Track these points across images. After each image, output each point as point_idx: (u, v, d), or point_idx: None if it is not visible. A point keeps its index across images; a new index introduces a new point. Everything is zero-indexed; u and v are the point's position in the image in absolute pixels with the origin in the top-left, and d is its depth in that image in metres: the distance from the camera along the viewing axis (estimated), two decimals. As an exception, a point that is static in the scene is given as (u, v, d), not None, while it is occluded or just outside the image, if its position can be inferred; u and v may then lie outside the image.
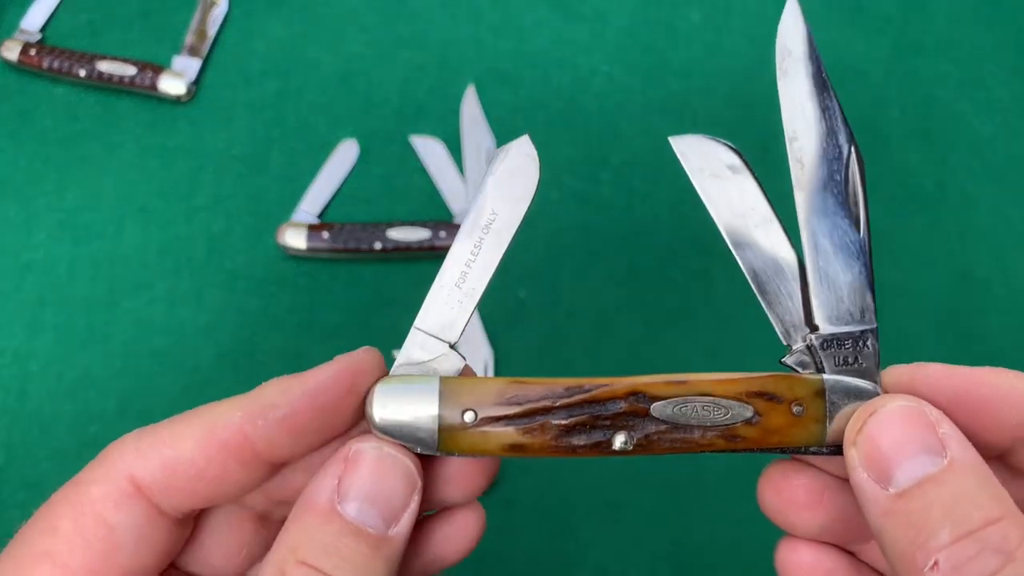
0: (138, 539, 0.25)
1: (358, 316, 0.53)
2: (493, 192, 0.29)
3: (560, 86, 0.57)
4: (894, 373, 0.27)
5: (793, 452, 0.27)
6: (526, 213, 0.28)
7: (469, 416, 0.26)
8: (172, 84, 0.56)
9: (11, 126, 0.56)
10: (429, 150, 0.55)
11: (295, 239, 0.52)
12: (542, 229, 0.54)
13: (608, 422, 0.26)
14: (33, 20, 0.58)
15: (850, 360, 0.28)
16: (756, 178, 0.28)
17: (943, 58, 0.58)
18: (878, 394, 0.27)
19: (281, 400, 0.26)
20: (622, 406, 0.26)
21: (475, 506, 0.29)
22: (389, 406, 0.26)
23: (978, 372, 0.27)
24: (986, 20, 0.59)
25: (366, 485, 0.25)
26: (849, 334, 0.28)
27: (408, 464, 0.26)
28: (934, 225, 0.55)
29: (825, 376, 0.27)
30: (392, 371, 0.28)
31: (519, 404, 0.26)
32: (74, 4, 0.59)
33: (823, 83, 0.28)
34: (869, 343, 0.28)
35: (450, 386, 0.26)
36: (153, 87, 0.56)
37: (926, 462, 0.24)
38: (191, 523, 0.27)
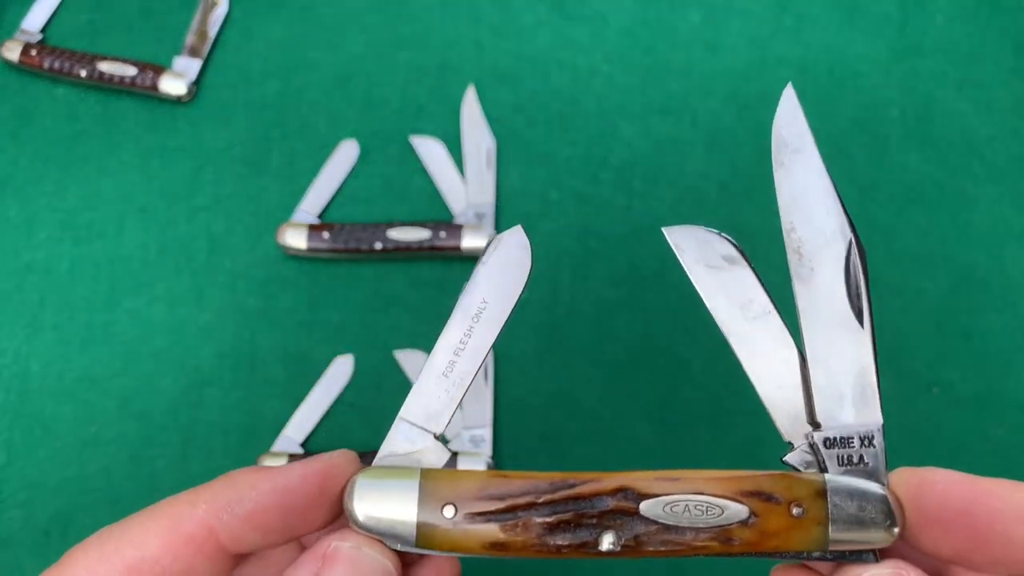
0: None
1: (358, 316, 0.53)
2: (484, 281, 0.28)
3: (560, 86, 0.57)
4: (901, 477, 0.26)
5: (795, 558, 0.26)
6: (517, 302, 0.28)
7: (449, 511, 0.25)
8: (173, 84, 0.56)
9: (12, 126, 0.56)
10: (429, 150, 0.55)
11: (295, 239, 0.52)
12: (542, 229, 0.54)
13: (594, 520, 0.25)
14: (34, 20, 0.58)
15: (855, 459, 0.26)
16: (754, 269, 0.27)
17: (942, 58, 0.58)
18: (884, 496, 0.25)
19: (248, 495, 0.25)
20: (609, 504, 0.25)
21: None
22: (367, 499, 0.25)
23: (989, 484, 0.25)
24: (985, 20, 0.59)
25: None
26: (853, 432, 0.26)
27: (386, 564, 0.25)
28: (933, 225, 0.55)
29: (827, 476, 0.26)
30: (375, 461, 0.27)
31: (500, 499, 0.25)
32: (75, 4, 0.59)
33: (821, 172, 0.27)
34: (875, 441, 0.26)
35: (430, 479, 0.26)
36: (154, 87, 0.56)
37: None
38: None
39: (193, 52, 0.57)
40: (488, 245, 0.28)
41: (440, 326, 0.52)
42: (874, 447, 0.26)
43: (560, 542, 0.25)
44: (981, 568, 0.25)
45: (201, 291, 0.53)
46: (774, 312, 0.27)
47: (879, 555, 0.25)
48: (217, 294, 0.53)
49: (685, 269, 0.28)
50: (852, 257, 0.27)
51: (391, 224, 0.53)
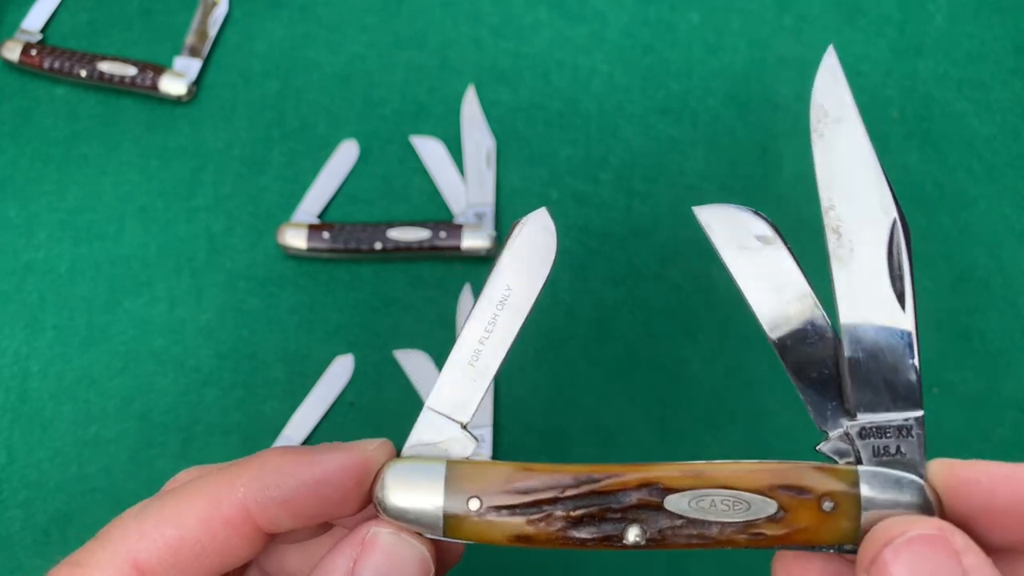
0: None
1: (358, 316, 0.53)
2: (508, 266, 0.27)
3: (560, 86, 0.57)
4: (939, 468, 0.25)
5: (823, 550, 0.25)
6: (543, 287, 0.27)
7: (474, 504, 0.25)
8: (173, 84, 0.56)
9: (11, 126, 0.56)
10: (429, 150, 0.55)
11: (295, 239, 0.52)
12: (542, 229, 0.54)
13: (619, 515, 0.25)
14: (34, 20, 0.58)
15: (891, 450, 0.25)
16: (790, 249, 0.26)
17: (942, 58, 0.58)
18: (921, 488, 0.24)
19: (286, 482, 0.25)
20: (634, 498, 0.25)
21: None
22: (396, 489, 0.26)
23: None
24: (985, 20, 0.59)
25: (381, 569, 0.25)
26: (890, 422, 0.25)
27: (423, 551, 0.25)
28: (933, 225, 0.55)
29: (861, 468, 0.24)
30: (403, 451, 0.27)
31: (525, 493, 0.25)
32: (75, 4, 0.59)
33: (864, 144, 0.25)
34: (914, 432, 0.25)
35: (456, 471, 0.26)
36: (154, 87, 0.56)
37: None
38: None
39: (193, 52, 0.57)
40: (513, 229, 0.27)
41: (440, 326, 0.52)
42: (912, 438, 0.25)
43: (584, 535, 0.25)
44: None
45: (201, 291, 0.53)
46: (811, 295, 0.26)
47: None
48: (217, 294, 0.53)
49: (716, 250, 0.26)
50: (896, 236, 0.25)
51: (391, 224, 0.53)
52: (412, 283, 0.53)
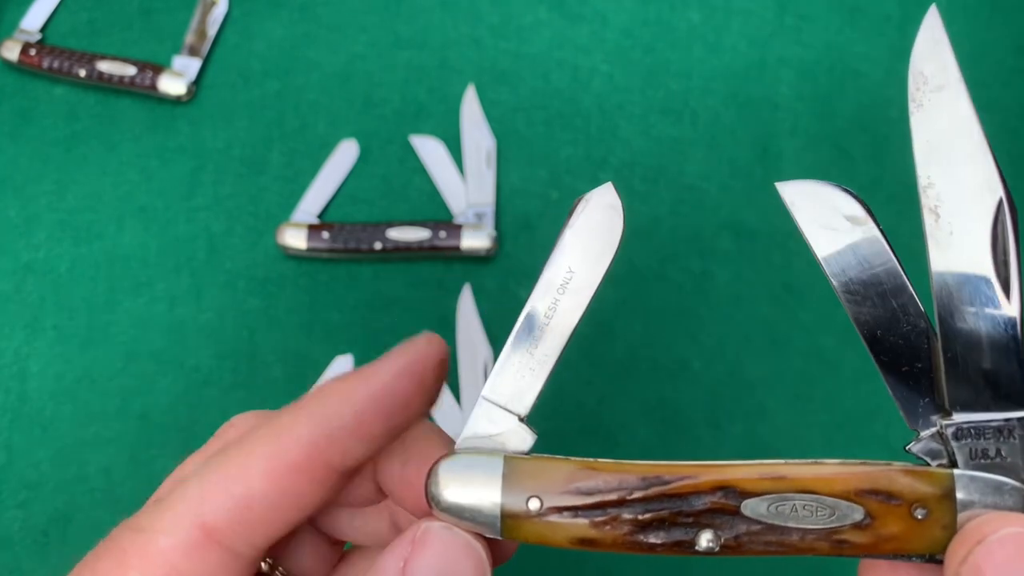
0: None
1: (358, 316, 0.53)
2: (571, 247, 0.25)
3: (560, 86, 0.57)
4: None
5: (912, 559, 0.23)
6: (608, 270, 0.25)
7: (534, 504, 0.24)
8: (172, 84, 0.56)
9: (11, 126, 0.56)
10: (429, 150, 0.55)
11: (295, 239, 0.52)
12: (542, 229, 0.54)
13: (691, 519, 0.23)
14: (33, 20, 0.58)
15: (991, 453, 0.23)
16: (883, 231, 0.24)
17: (943, 58, 0.58)
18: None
19: (347, 409, 0.24)
20: (707, 502, 0.23)
21: None
22: (451, 486, 0.24)
23: None
24: (986, 20, 0.59)
25: (436, 565, 0.23)
26: (990, 423, 0.23)
27: (479, 549, 0.24)
28: (934, 225, 0.55)
29: (956, 472, 0.22)
30: (459, 443, 0.25)
31: (588, 494, 0.23)
32: (74, 4, 0.59)
33: (968, 115, 0.23)
34: (1016, 434, 0.23)
35: (514, 467, 0.24)
36: (153, 87, 0.56)
37: None
38: (265, 552, 0.26)
39: (192, 51, 0.57)
40: (575, 207, 0.25)
41: (440, 326, 0.52)
42: (1014, 440, 0.23)
43: (654, 540, 0.23)
44: None
45: (201, 291, 0.53)
46: (904, 280, 0.23)
47: None
48: (217, 294, 0.53)
49: (801, 230, 0.24)
50: (1001, 218, 0.23)
51: (391, 224, 0.53)
52: (412, 283, 0.53)
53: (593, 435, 0.51)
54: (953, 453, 0.23)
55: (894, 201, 0.55)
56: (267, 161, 0.55)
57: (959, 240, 0.23)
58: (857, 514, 0.22)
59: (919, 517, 0.22)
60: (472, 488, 0.24)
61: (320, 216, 0.54)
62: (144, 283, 0.53)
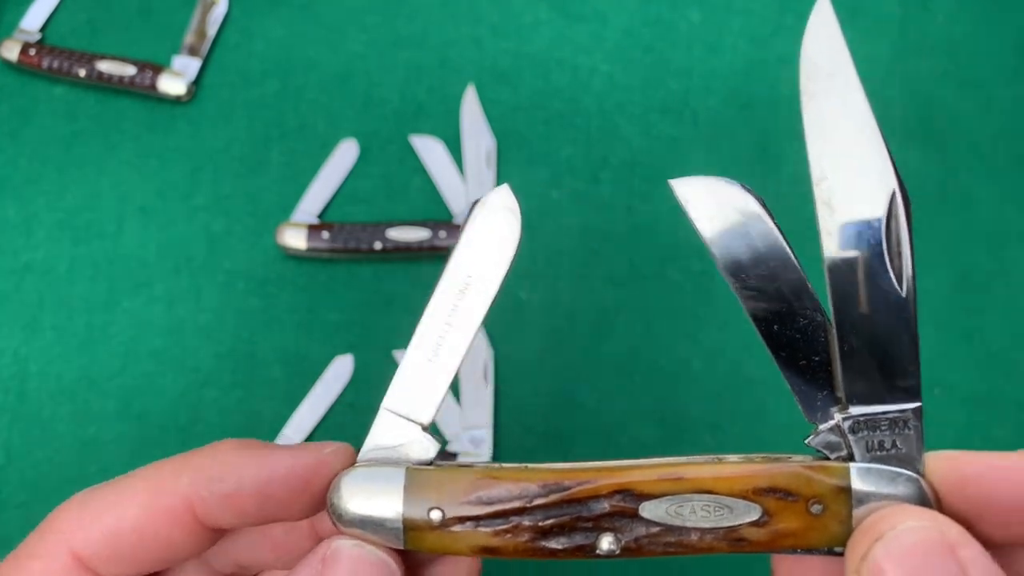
0: None
1: (358, 316, 0.53)
2: (467, 253, 0.25)
3: (560, 85, 0.57)
4: (941, 465, 0.23)
5: (811, 553, 0.23)
6: (507, 274, 0.25)
7: (436, 515, 0.23)
8: (172, 84, 0.56)
9: (10, 126, 0.56)
10: (429, 150, 0.55)
11: (295, 239, 0.52)
12: (542, 229, 0.54)
13: (591, 523, 0.23)
14: (32, 20, 0.58)
15: (887, 445, 0.23)
16: (777, 225, 0.24)
17: (944, 58, 0.58)
18: (918, 485, 0.22)
19: (231, 475, 0.24)
20: (606, 506, 0.23)
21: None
22: (349, 498, 0.24)
23: None
24: (987, 20, 0.59)
25: None
26: (885, 415, 0.23)
27: (390, 563, 0.24)
28: (935, 225, 0.54)
29: (853, 466, 0.23)
30: (360, 455, 0.25)
31: (489, 504, 0.23)
32: (73, 4, 0.59)
33: (860, 105, 0.23)
34: (911, 425, 0.23)
35: (415, 478, 0.24)
36: (153, 87, 0.55)
37: None
38: None
39: (192, 51, 0.57)
40: (472, 210, 0.25)
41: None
42: (909, 431, 0.23)
43: (555, 546, 0.23)
44: None
45: (200, 291, 0.53)
46: (801, 276, 0.23)
47: None
48: (216, 294, 0.53)
49: (695, 227, 0.24)
50: (894, 210, 0.23)
51: (390, 224, 0.53)
52: (412, 283, 0.53)
53: (593, 435, 0.51)
54: (851, 446, 0.23)
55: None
56: (267, 161, 0.55)
57: (853, 233, 0.23)
58: (754, 513, 0.22)
59: (816, 512, 0.22)
60: (374, 500, 0.24)
61: (320, 216, 0.54)
62: (143, 283, 0.53)
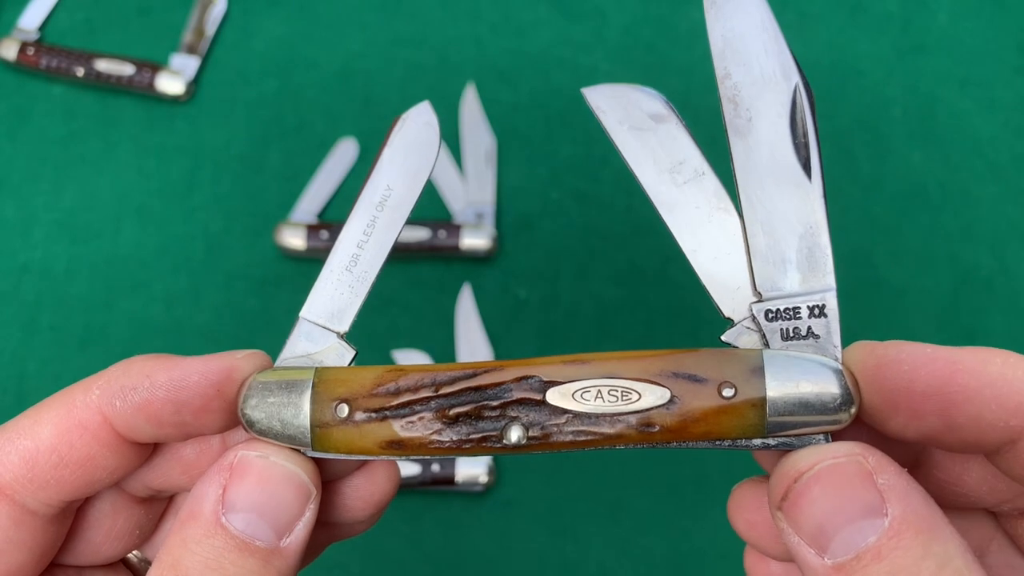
0: (6, 543, 0.24)
1: (357, 316, 0.52)
2: (388, 165, 0.26)
3: (560, 84, 0.57)
4: (859, 352, 0.23)
5: (732, 446, 0.23)
6: (424, 187, 0.26)
7: (342, 410, 0.23)
8: (170, 83, 0.55)
9: (9, 125, 0.56)
10: (428, 149, 0.55)
11: (294, 239, 0.52)
12: (542, 228, 0.54)
13: (497, 412, 0.23)
14: (31, 19, 0.58)
15: (803, 332, 0.23)
16: (686, 127, 0.24)
17: (945, 57, 0.58)
18: (837, 371, 0.22)
19: (141, 384, 0.23)
20: (513, 393, 0.23)
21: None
22: (258, 402, 0.23)
23: (960, 356, 0.22)
24: (988, 19, 0.58)
25: (253, 495, 0.22)
26: (800, 302, 0.23)
27: (298, 473, 0.23)
28: (936, 224, 0.54)
29: (765, 351, 0.22)
30: (276, 363, 0.25)
31: (395, 395, 0.23)
32: (72, 3, 0.58)
33: (759, 6, 0.23)
34: (827, 311, 0.23)
35: (323, 377, 0.24)
36: (151, 86, 0.55)
37: (864, 528, 0.20)
38: (69, 517, 0.25)
39: (191, 50, 0.57)
40: (393, 125, 0.26)
41: (439, 326, 0.52)
42: (825, 317, 0.23)
43: (460, 437, 0.23)
44: (953, 449, 0.23)
45: (199, 291, 0.53)
46: (709, 173, 0.24)
47: (832, 439, 0.22)
48: (215, 294, 0.53)
49: (608, 133, 0.25)
50: (799, 102, 0.23)
51: (390, 223, 0.53)
52: (411, 283, 0.53)
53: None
54: (766, 336, 0.23)
55: (896, 200, 0.55)
56: (266, 160, 0.55)
57: (758, 125, 0.23)
58: (663, 396, 0.22)
59: (727, 397, 0.22)
60: (282, 400, 0.23)
61: (319, 216, 0.54)
62: (142, 283, 0.53)
